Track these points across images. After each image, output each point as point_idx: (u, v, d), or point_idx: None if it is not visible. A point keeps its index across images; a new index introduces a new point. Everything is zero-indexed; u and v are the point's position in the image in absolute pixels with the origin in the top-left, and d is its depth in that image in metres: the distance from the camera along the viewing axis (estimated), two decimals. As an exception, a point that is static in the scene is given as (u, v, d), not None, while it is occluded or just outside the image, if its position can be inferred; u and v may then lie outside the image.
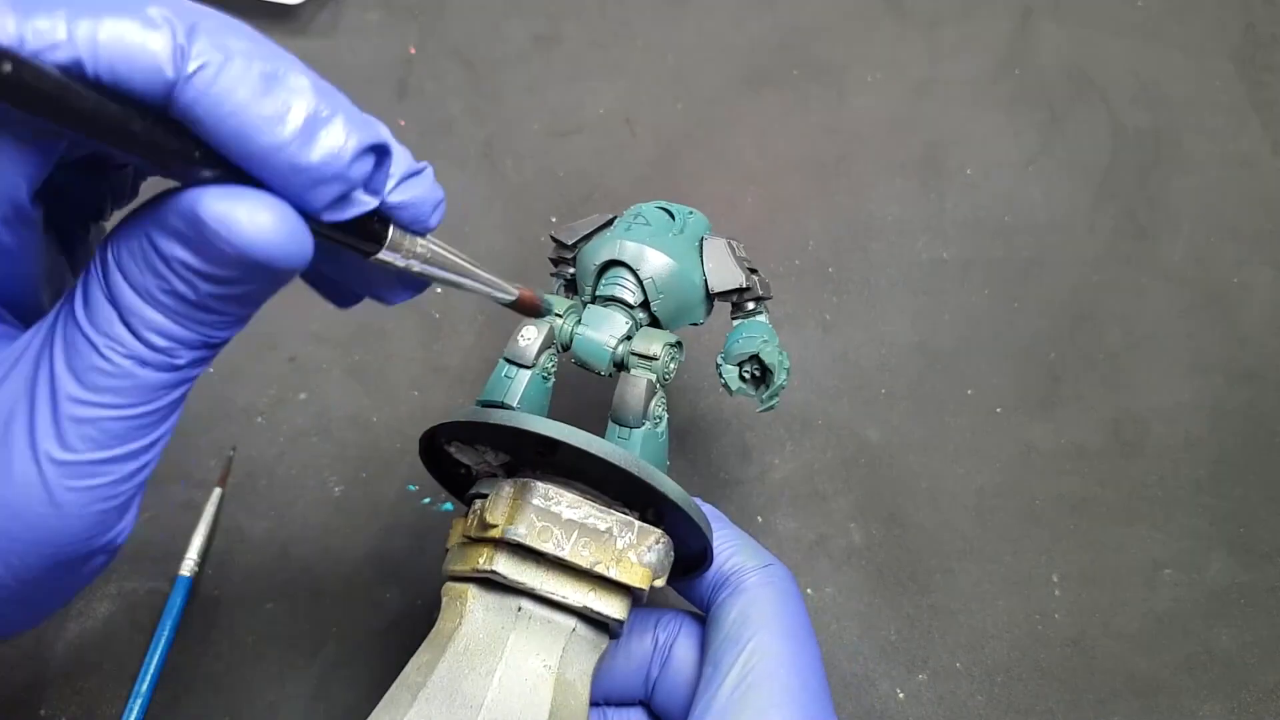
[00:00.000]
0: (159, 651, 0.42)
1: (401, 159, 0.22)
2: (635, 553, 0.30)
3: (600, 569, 0.29)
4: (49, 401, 0.20)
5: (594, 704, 0.35)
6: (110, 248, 0.20)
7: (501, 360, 0.35)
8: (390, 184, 0.22)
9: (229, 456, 0.47)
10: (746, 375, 0.37)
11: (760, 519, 0.47)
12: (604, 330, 0.35)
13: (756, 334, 0.37)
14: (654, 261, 0.36)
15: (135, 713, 0.41)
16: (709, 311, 0.38)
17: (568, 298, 0.37)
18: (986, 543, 0.47)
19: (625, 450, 0.30)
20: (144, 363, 0.20)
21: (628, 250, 0.36)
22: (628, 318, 0.36)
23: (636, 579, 0.30)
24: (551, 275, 0.40)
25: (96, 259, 0.20)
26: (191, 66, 0.18)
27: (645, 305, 0.36)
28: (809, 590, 0.46)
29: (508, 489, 0.30)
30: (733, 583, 0.32)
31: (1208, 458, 0.49)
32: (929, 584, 0.46)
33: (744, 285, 0.37)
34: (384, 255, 0.23)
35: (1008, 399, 0.50)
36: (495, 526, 0.29)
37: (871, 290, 0.52)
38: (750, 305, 0.38)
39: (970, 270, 0.52)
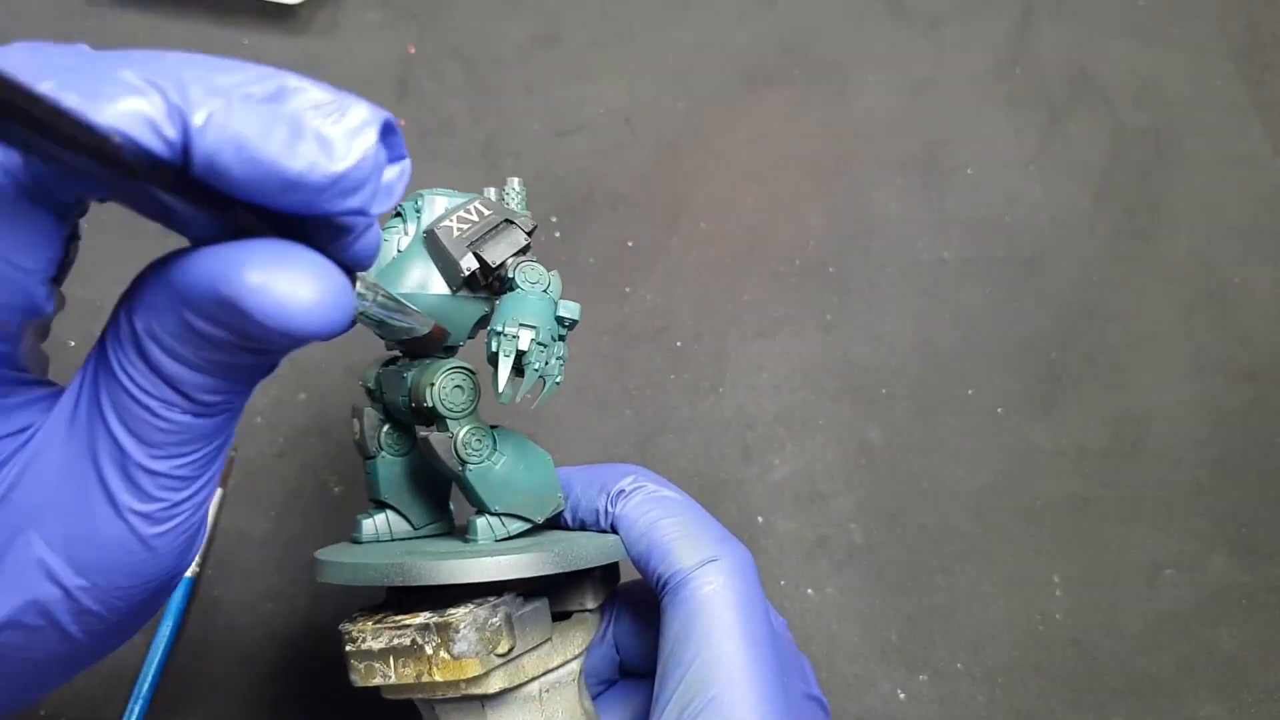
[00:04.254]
0: (159, 652, 0.42)
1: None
2: (446, 649, 0.28)
3: (425, 679, 0.29)
4: (117, 464, 0.20)
5: (610, 680, 0.35)
6: (139, 322, 0.19)
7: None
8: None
9: (230, 457, 0.47)
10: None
11: (760, 519, 0.47)
12: (393, 391, 0.33)
13: (499, 320, 0.30)
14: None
15: (136, 714, 0.41)
16: (489, 297, 0.33)
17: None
18: (987, 543, 0.47)
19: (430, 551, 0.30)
20: (199, 415, 0.20)
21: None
22: (415, 365, 0.32)
23: (463, 672, 0.28)
24: None
25: (124, 330, 0.20)
26: (198, 119, 0.17)
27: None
28: (809, 590, 0.46)
29: (340, 632, 0.30)
30: (673, 586, 0.29)
31: (1209, 458, 0.49)
32: (930, 584, 0.46)
33: (466, 272, 0.31)
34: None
35: (1009, 399, 0.50)
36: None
37: (872, 290, 0.52)
38: (501, 276, 0.32)
39: (971, 270, 0.52)
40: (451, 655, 0.28)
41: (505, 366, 0.30)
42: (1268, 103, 0.56)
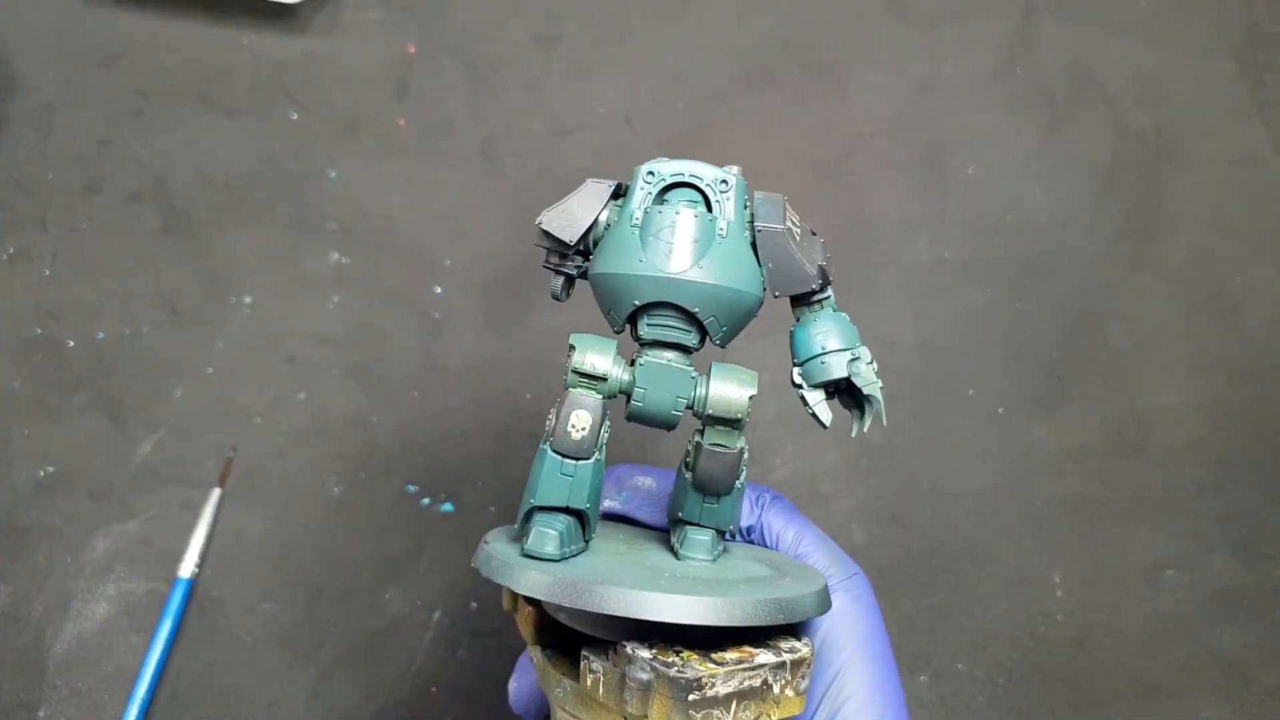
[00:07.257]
0: (158, 652, 0.42)
1: None
2: (793, 686, 0.27)
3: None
4: None
5: None
6: None
7: (546, 451, 0.28)
8: None
9: (229, 457, 0.47)
10: (830, 390, 0.30)
11: (761, 519, 0.47)
12: (667, 391, 0.29)
13: (837, 342, 0.29)
14: (709, 295, 0.28)
15: (135, 714, 0.41)
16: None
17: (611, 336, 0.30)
18: (988, 543, 0.47)
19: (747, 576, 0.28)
20: None
21: (674, 289, 0.28)
22: (689, 364, 0.29)
23: (799, 707, 0.27)
24: (546, 267, 0.31)
25: None
26: None
27: (704, 338, 0.30)
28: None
29: (643, 676, 0.25)
30: None
31: (1210, 458, 0.49)
32: (931, 585, 0.46)
33: (817, 284, 0.29)
34: None
35: (1009, 399, 0.50)
36: (644, 718, 0.26)
37: (873, 290, 0.52)
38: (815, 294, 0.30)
39: (972, 270, 0.52)
40: (798, 692, 0.27)
41: (880, 395, 0.30)
42: (1269, 102, 0.56)
